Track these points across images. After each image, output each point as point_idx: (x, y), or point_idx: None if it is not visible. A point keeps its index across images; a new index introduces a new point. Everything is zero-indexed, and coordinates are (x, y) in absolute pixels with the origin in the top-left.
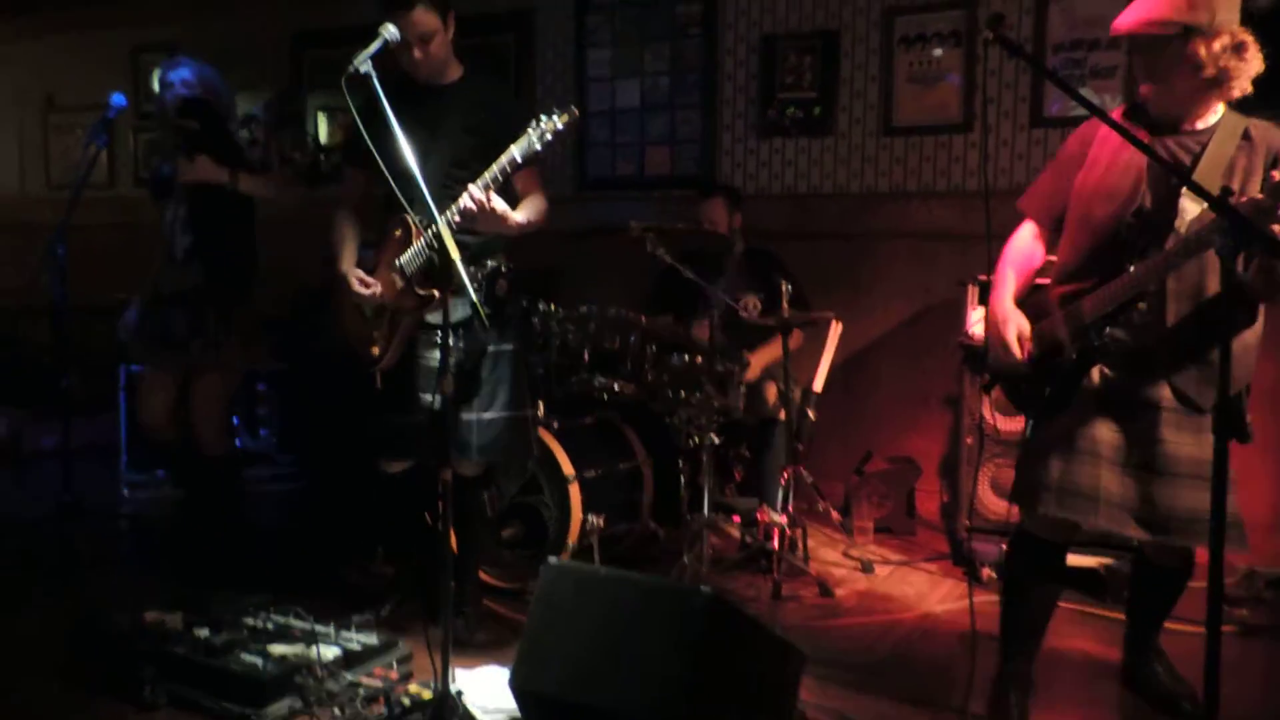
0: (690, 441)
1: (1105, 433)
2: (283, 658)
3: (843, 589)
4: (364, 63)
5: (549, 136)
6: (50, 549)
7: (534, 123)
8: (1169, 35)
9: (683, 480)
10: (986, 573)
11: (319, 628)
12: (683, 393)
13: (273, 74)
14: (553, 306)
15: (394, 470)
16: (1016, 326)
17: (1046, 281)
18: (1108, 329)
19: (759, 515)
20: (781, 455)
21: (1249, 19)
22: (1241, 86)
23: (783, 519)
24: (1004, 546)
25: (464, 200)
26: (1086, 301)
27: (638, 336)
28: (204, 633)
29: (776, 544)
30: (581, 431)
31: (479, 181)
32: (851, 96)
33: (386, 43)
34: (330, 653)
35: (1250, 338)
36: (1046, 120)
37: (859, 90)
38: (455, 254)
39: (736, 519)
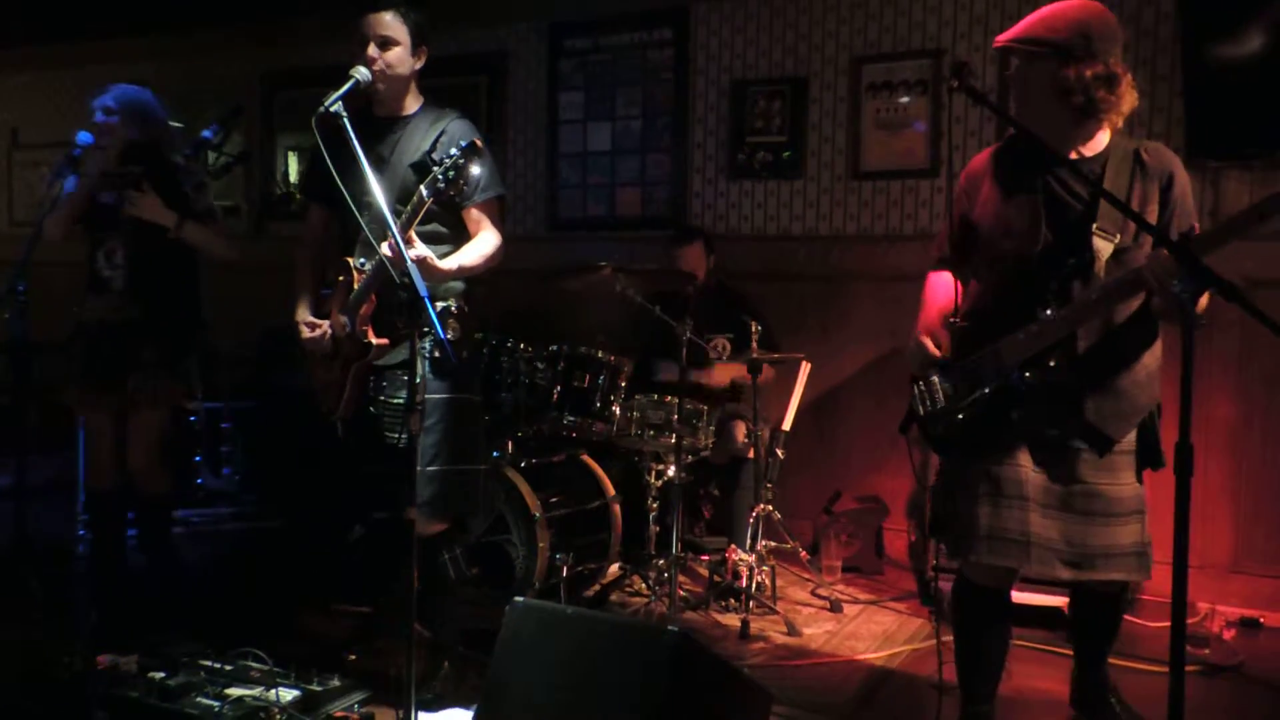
0: (659, 480)
1: (1028, 474)
2: (240, 700)
3: (811, 628)
4: (335, 103)
5: (452, 173)
6: (2, 590)
7: (442, 160)
8: (1039, 54)
9: (651, 519)
10: None
11: (278, 670)
12: (651, 432)
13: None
14: (522, 345)
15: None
16: (931, 334)
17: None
18: (1027, 373)
19: (727, 554)
20: (750, 494)
21: (1238, 66)
22: (1114, 121)
23: (751, 558)
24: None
25: (384, 248)
26: (1004, 345)
27: (607, 375)
28: (159, 675)
29: (745, 583)
30: (550, 470)
31: (395, 228)
32: (820, 141)
33: (357, 83)
34: (289, 695)
35: (1151, 360)
36: None
37: (827, 135)
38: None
39: (705, 558)
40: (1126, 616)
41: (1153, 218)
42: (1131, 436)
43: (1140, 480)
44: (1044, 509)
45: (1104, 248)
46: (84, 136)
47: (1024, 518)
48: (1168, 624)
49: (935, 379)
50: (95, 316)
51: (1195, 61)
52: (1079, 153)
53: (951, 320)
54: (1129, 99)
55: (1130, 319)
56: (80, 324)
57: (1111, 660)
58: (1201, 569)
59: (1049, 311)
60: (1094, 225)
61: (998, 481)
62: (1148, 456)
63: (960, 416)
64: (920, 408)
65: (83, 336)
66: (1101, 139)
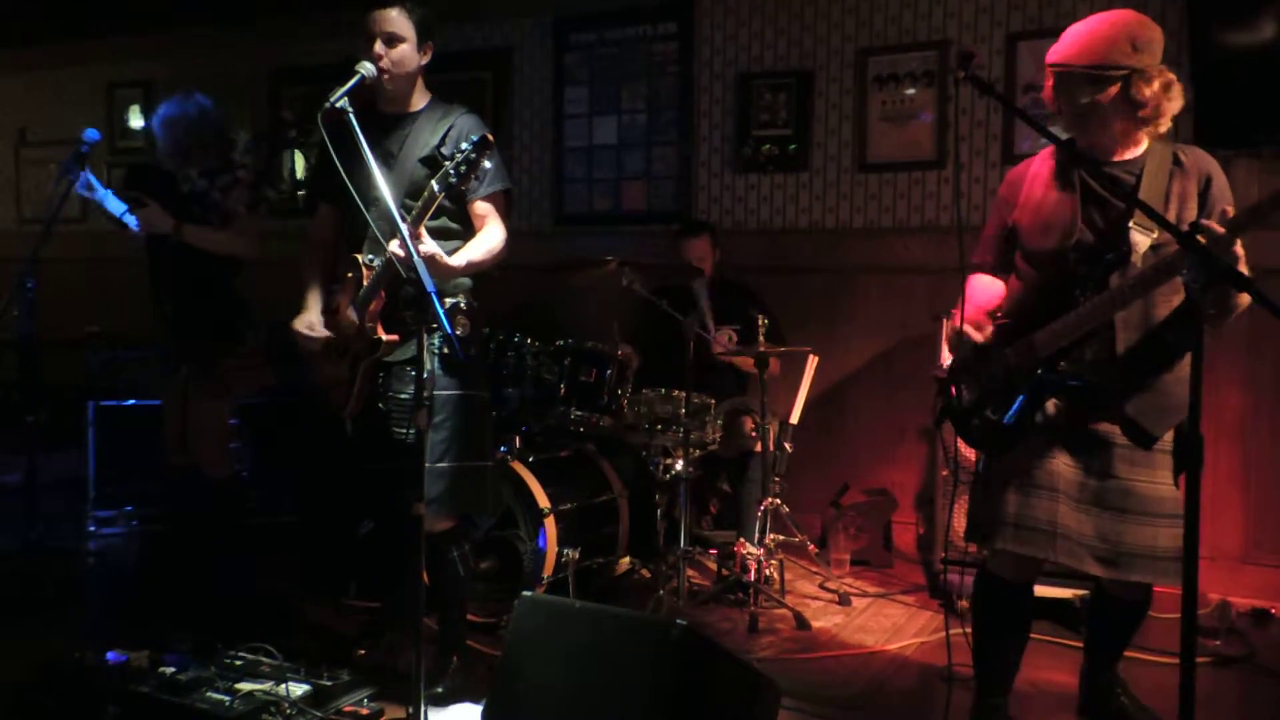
0: (666, 474)
1: (1061, 467)
2: (250, 694)
3: (819, 622)
4: (341, 99)
5: (464, 167)
6: (13, 587)
7: (453, 155)
8: (1115, 78)
9: (659, 513)
10: (963, 605)
11: (288, 665)
12: (659, 426)
13: (250, 110)
14: (529, 340)
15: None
16: (975, 322)
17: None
18: (1061, 364)
19: (736, 548)
20: (758, 488)
21: (1247, 53)
22: (1167, 123)
23: (759, 552)
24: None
25: (393, 246)
26: (1039, 336)
27: (614, 370)
28: (170, 670)
29: (753, 577)
30: (557, 464)
31: (404, 227)
32: (826, 134)
33: (363, 78)
34: (299, 690)
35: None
36: (1018, 157)
37: (833, 128)
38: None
39: (713, 552)
40: None
41: (1192, 215)
42: (1169, 435)
43: (1176, 484)
44: (1077, 503)
45: (1141, 241)
46: (91, 134)
47: (1053, 508)
48: (1178, 615)
49: (969, 374)
50: (161, 312)
51: (1204, 49)
52: (1122, 155)
53: (996, 317)
54: (1179, 102)
55: (1172, 315)
56: (155, 316)
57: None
58: (1212, 560)
59: (1085, 303)
60: (1131, 221)
61: (1029, 471)
62: (1183, 459)
63: (995, 411)
64: (954, 402)
65: (156, 328)
66: (1142, 142)
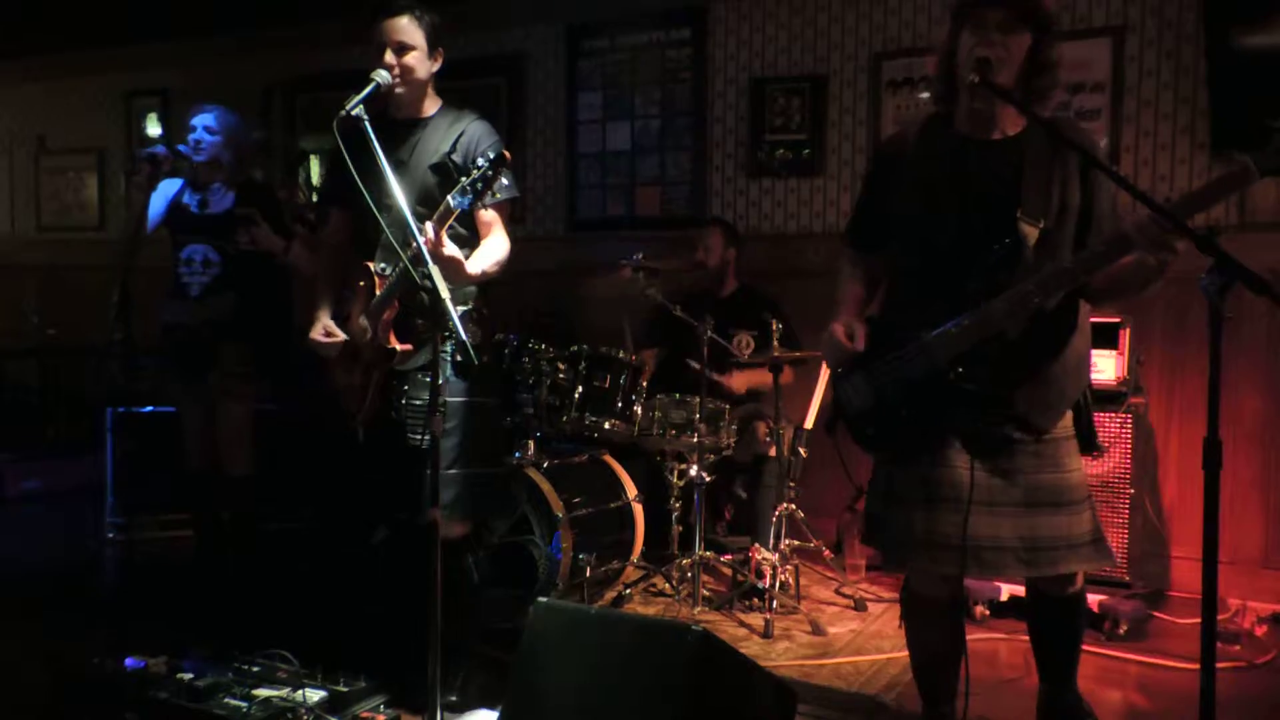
0: (681, 480)
1: (965, 475)
2: (267, 700)
3: (835, 627)
4: (356, 106)
5: (480, 185)
6: (32, 593)
7: (469, 170)
8: (1038, 24)
9: (674, 519)
10: (980, 610)
11: (304, 671)
12: (673, 431)
13: (263, 119)
14: (543, 346)
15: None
16: (847, 325)
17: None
18: (960, 368)
19: (751, 553)
20: (773, 493)
21: (1264, 55)
22: (1045, 104)
23: (774, 557)
24: (998, 585)
25: (427, 228)
26: (935, 339)
27: (628, 375)
28: (188, 676)
29: (768, 582)
30: (572, 470)
31: (428, 225)
32: (840, 139)
33: (378, 86)
34: (316, 696)
35: (1082, 345)
36: None
37: (847, 132)
38: (445, 294)
39: (728, 557)
40: (1157, 613)
41: (1073, 197)
42: (1068, 421)
43: (1085, 459)
44: (990, 507)
45: (1030, 233)
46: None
47: (958, 520)
48: (1198, 620)
49: (861, 377)
50: (177, 320)
51: (1221, 51)
52: (1003, 133)
53: (871, 316)
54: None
55: (1060, 303)
56: (165, 325)
57: (1142, 658)
58: (1232, 564)
59: (987, 305)
60: (1019, 210)
61: (933, 484)
62: (1084, 441)
63: (892, 417)
64: (848, 407)
65: (169, 337)
66: (1022, 121)
